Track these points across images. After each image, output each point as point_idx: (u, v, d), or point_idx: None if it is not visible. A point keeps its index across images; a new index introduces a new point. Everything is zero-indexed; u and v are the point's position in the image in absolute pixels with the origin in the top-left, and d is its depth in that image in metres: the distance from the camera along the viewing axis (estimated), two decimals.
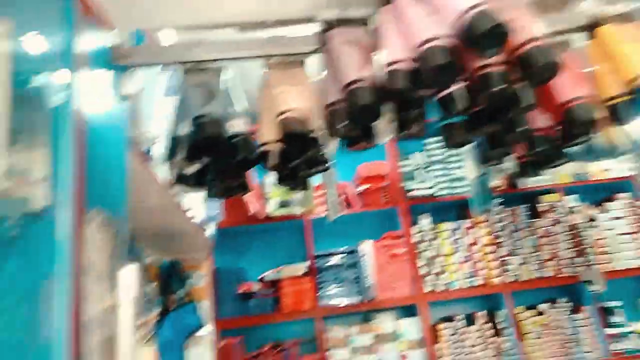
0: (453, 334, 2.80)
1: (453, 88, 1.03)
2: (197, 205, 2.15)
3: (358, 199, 3.02)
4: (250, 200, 2.89)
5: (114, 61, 1.09)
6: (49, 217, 0.76)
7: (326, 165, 1.16)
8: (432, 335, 2.78)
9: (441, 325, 2.82)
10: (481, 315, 2.84)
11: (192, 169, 1.15)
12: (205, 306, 2.47)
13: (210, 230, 2.34)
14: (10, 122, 0.73)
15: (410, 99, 1.01)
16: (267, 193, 2.94)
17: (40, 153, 0.78)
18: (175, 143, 1.13)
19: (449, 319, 2.85)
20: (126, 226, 1.03)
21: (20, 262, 0.76)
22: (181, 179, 1.22)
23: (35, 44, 0.85)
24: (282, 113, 1.05)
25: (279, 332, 2.93)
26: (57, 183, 0.78)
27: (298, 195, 2.93)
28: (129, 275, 0.95)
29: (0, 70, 0.73)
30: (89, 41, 0.98)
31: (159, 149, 1.46)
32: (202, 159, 1.13)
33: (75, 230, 0.78)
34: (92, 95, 0.94)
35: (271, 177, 2.93)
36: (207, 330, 2.43)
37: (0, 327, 0.72)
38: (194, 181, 1.23)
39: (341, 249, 2.94)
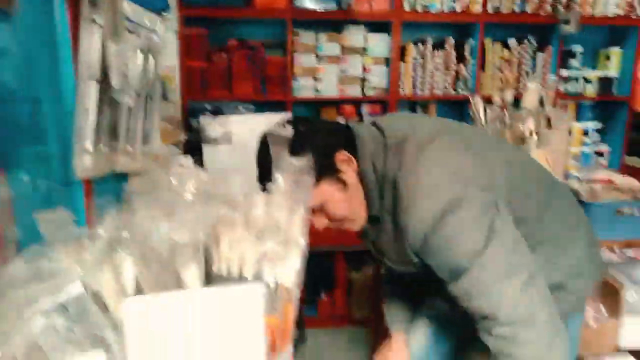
0: (419, 56, 2.85)
1: None
2: None
3: None
4: None
5: None
6: None
7: None
8: (400, 55, 2.81)
9: (410, 46, 2.83)
10: (450, 43, 2.86)
11: None
12: None
13: None
14: None
15: None
16: None
17: None
18: None
19: (419, 41, 2.85)
20: None
21: None
22: None
23: None
24: None
25: (247, 31, 2.84)
26: None
27: None
28: None
29: None
30: None
31: None
32: None
33: None
34: None
35: None
36: (172, 14, 2.30)
37: None
38: None
39: None
